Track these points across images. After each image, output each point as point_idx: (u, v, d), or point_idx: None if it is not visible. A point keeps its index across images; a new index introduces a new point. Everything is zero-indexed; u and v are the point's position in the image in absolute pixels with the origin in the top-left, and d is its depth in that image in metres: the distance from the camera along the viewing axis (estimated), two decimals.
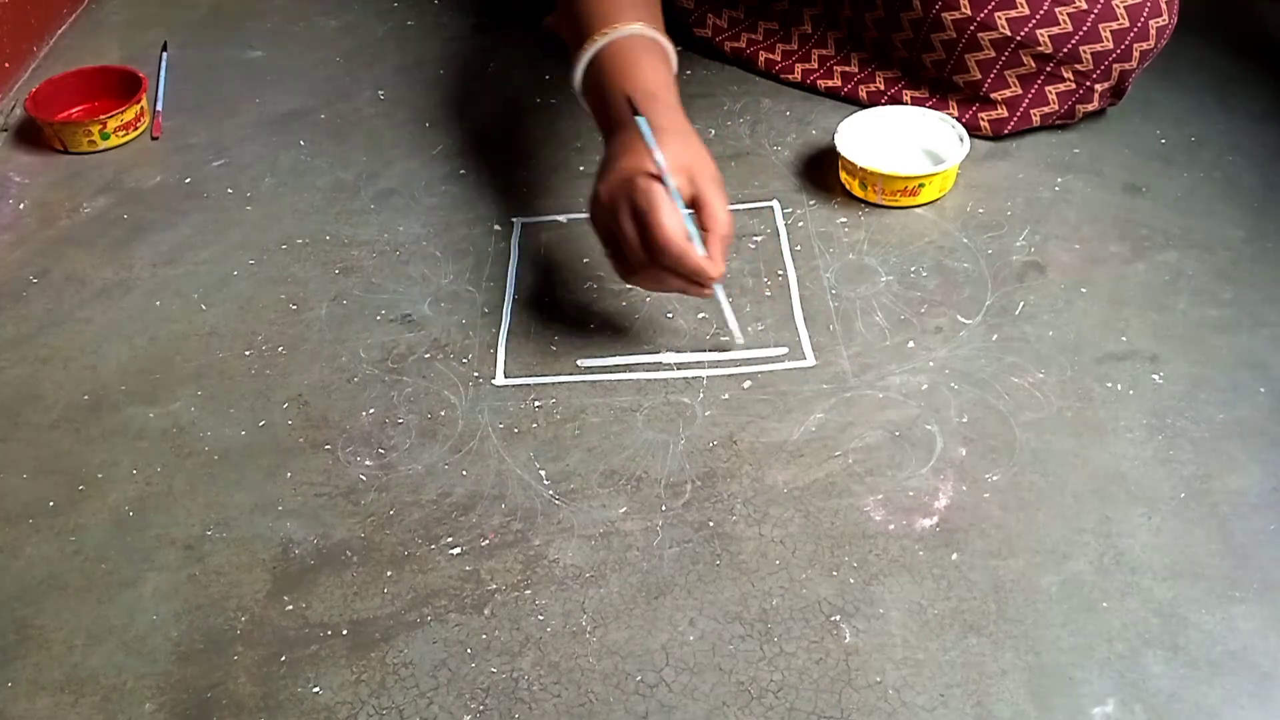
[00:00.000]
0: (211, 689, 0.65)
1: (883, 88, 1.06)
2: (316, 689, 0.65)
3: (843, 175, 0.97)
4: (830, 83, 1.08)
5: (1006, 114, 1.00)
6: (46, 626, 0.69)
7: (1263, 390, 0.79)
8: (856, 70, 1.08)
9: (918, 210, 0.95)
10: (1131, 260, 0.90)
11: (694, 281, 0.77)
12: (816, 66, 1.09)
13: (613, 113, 0.80)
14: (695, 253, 0.75)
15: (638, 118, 0.75)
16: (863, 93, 1.06)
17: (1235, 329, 0.83)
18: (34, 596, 0.71)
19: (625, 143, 0.77)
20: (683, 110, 0.81)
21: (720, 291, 0.80)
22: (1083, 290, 0.87)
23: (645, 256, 0.75)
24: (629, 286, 0.88)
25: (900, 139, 1.00)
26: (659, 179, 0.74)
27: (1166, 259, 0.90)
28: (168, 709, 0.64)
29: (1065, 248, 0.91)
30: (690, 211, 0.77)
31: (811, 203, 0.97)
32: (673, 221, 0.74)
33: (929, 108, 1.02)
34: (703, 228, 0.77)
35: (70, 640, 0.68)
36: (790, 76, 1.10)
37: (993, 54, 0.98)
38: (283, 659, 0.66)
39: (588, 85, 0.84)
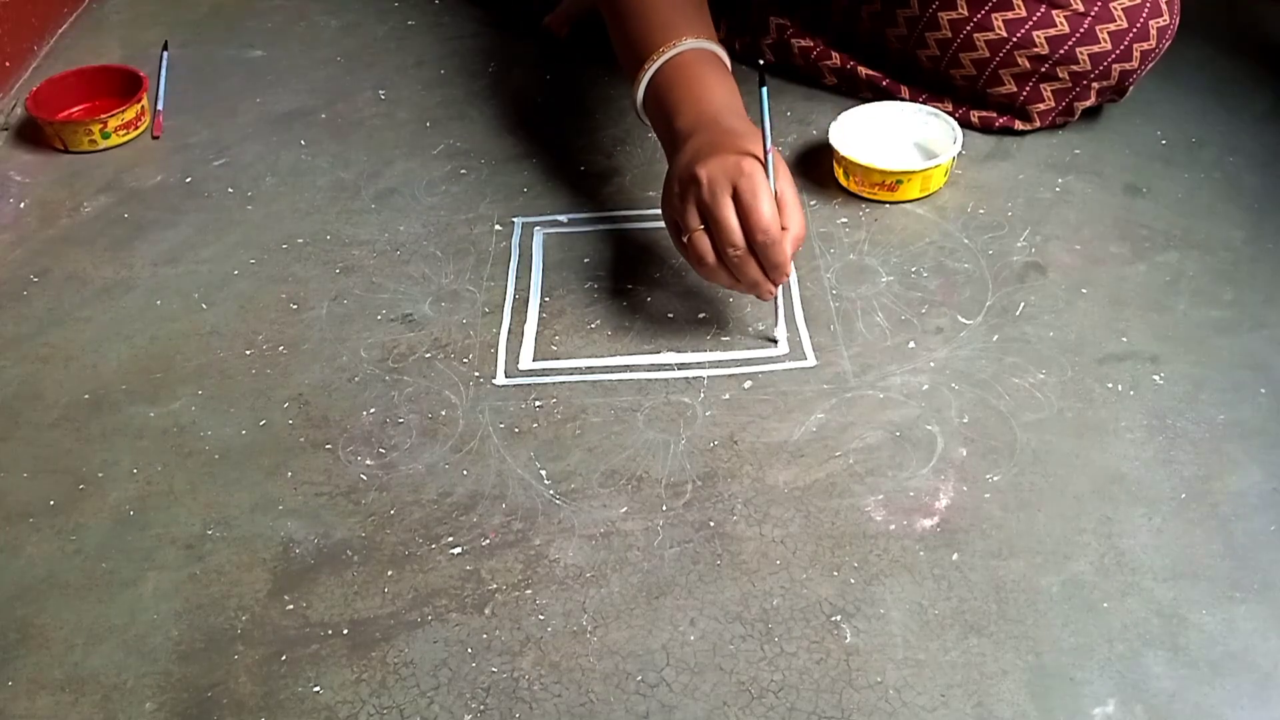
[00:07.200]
0: (212, 688, 0.65)
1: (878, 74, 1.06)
2: (317, 688, 0.65)
3: (834, 163, 0.97)
4: (829, 62, 1.08)
5: (999, 112, 1.01)
6: (46, 626, 0.69)
7: (1263, 391, 0.79)
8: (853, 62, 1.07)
9: (918, 210, 0.95)
10: (1132, 261, 0.90)
11: (767, 276, 0.78)
12: (811, 45, 1.09)
13: (681, 121, 0.81)
14: (785, 242, 0.76)
15: (762, 88, 0.75)
16: (862, 72, 1.06)
17: (1236, 330, 0.83)
18: (34, 596, 0.71)
19: (725, 130, 0.79)
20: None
21: (781, 293, 0.82)
22: (1083, 291, 0.87)
23: (737, 239, 0.76)
24: (629, 286, 0.89)
25: (896, 135, 1.00)
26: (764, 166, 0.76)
27: (1167, 260, 0.90)
28: (168, 708, 0.64)
29: (1066, 248, 0.91)
30: None
31: (812, 203, 0.97)
32: (773, 207, 0.75)
33: (922, 101, 1.02)
34: (781, 226, 0.77)
35: (70, 639, 0.68)
36: (792, 58, 1.09)
37: (987, 54, 0.98)
38: (283, 658, 0.66)
39: (649, 99, 0.85)
